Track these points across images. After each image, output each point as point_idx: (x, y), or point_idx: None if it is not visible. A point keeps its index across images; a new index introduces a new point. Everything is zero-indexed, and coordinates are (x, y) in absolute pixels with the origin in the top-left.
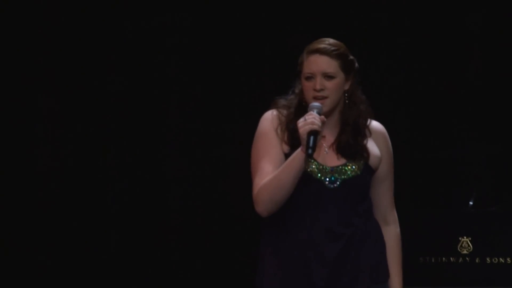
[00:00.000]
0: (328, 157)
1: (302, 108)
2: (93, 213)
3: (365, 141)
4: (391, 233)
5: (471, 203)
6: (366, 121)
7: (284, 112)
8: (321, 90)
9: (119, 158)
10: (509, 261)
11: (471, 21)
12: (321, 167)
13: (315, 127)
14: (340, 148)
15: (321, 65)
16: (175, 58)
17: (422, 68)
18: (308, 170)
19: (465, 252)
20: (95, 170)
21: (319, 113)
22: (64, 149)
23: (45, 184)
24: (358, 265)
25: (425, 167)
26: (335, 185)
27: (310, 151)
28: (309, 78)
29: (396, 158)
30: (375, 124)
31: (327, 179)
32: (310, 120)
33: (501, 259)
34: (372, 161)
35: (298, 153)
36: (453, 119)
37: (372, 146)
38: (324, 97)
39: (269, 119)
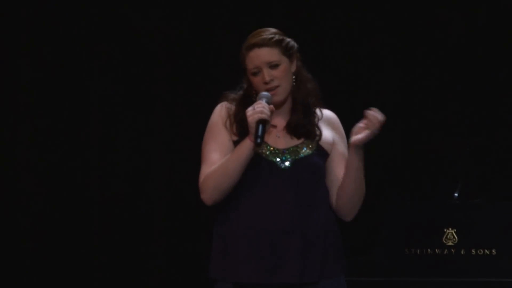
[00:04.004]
0: (279, 141)
1: (249, 99)
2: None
3: (316, 119)
4: None
5: (456, 194)
6: (315, 99)
7: (233, 105)
8: (271, 81)
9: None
10: (494, 252)
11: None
12: (272, 149)
13: (264, 116)
14: (292, 128)
15: (263, 57)
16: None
17: (410, 62)
18: (260, 152)
19: (450, 243)
20: (73, 169)
21: (268, 102)
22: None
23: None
24: (311, 255)
25: (411, 159)
26: (286, 163)
27: (259, 140)
28: (256, 73)
29: (382, 150)
30: (326, 112)
31: (278, 159)
32: (259, 109)
33: (486, 250)
34: (324, 142)
35: (246, 142)
36: (438, 111)
37: (324, 130)
38: (276, 86)
39: (218, 110)
